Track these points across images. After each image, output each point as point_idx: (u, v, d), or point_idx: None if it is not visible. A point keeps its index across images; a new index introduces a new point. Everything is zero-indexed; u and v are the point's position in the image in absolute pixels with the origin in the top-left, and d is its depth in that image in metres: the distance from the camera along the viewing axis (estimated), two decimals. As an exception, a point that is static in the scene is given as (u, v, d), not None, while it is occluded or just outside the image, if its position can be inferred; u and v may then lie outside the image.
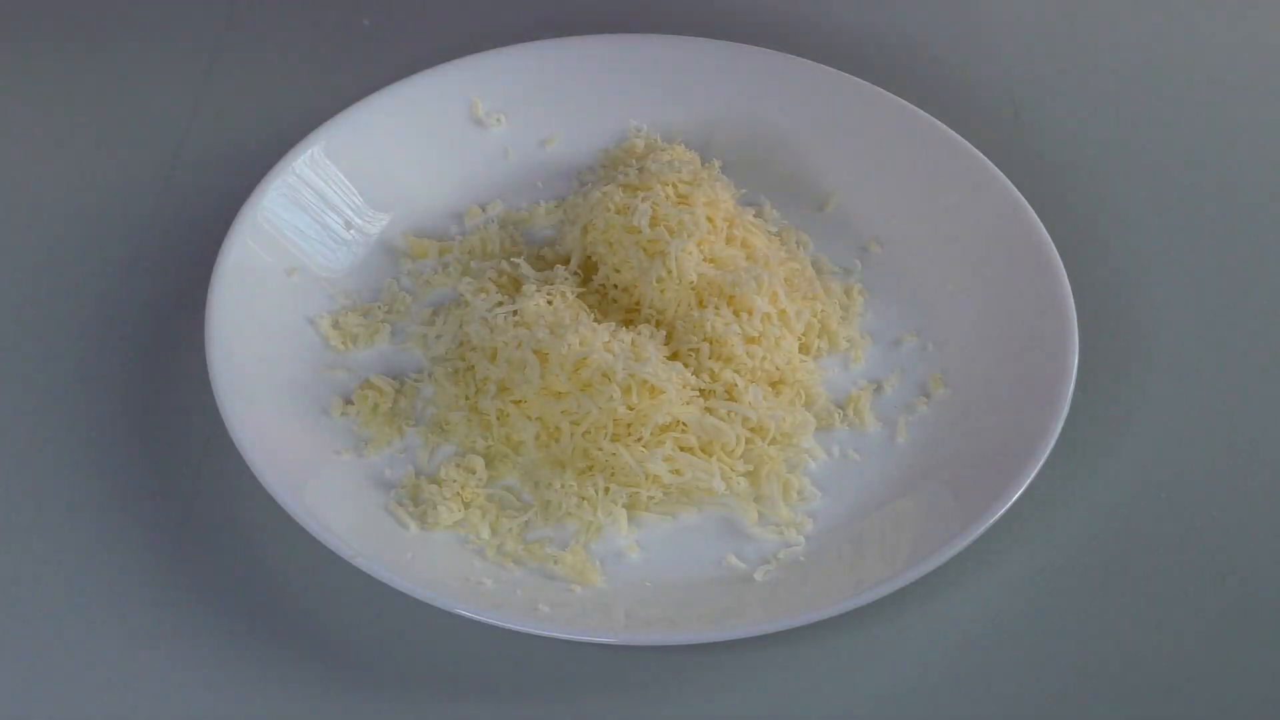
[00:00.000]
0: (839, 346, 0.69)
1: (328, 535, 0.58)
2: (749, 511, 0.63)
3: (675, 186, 0.70)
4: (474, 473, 0.64)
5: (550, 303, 0.66)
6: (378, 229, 0.72)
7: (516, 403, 0.65)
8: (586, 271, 0.71)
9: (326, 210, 0.71)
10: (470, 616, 0.57)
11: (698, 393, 0.65)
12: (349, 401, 0.66)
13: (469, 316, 0.67)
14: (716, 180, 0.72)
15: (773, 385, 0.67)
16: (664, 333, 0.67)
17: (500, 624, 0.57)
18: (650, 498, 0.63)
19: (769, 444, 0.65)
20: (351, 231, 0.72)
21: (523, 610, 0.58)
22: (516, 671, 0.59)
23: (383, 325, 0.69)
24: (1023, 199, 0.70)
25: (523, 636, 0.58)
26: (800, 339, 0.68)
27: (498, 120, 0.76)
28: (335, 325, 0.68)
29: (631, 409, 0.63)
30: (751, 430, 0.65)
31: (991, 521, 0.60)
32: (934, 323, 0.70)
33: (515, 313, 0.66)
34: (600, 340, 0.64)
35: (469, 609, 0.57)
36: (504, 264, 0.70)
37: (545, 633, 0.57)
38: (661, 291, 0.67)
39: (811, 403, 0.67)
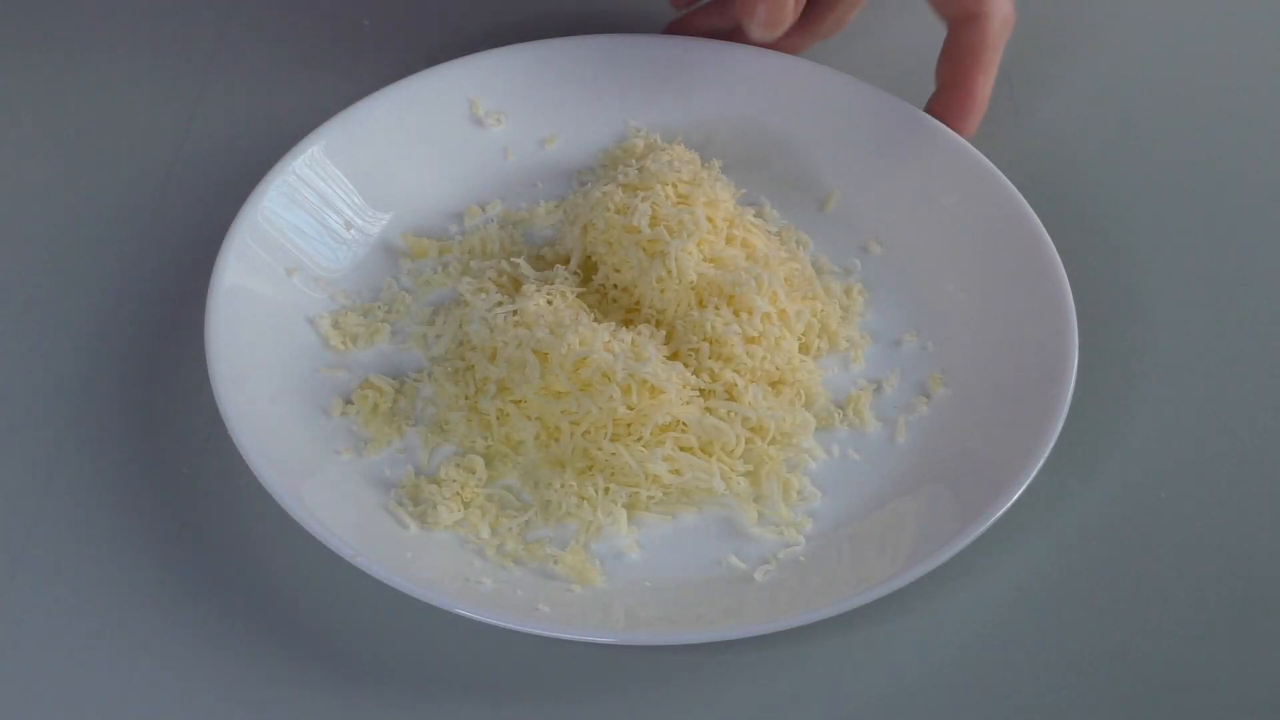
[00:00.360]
0: (839, 346, 0.69)
1: (327, 535, 0.58)
2: (749, 511, 0.63)
3: (675, 186, 0.69)
4: (474, 473, 0.64)
5: (550, 303, 0.66)
6: (378, 229, 0.72)
7: (516, 403, 0.65)
8: (586, 271, 0.70)
9: (326, 210, 0.71)
10: (470, 616, 0.57)
11: (698, 393, 0.65)
12: (349, 401, 0.66)
13: (469, 316, 0.67)
14: (716, 180, 0.72)
15: (773, 385, 0.67)
16: (664, 333, 0.67)
17: (500, 624, 0.57)
18: (650, 498, 0.63)
19: (769, 444, 0.65)
20: (351, 231, 0.72)
21: (522, 610, 0.58)
22: (516, 671, 0.59)
23: (382, 325, 0.69)
24: (1022, 199, 0.70)
25: (523, 636, 0.58)
26: (800, 339, 0.68)
27: (497, 120, 0.76)
28: (335, 325, 0.68)
29: (631, 409, 0.63)
30: (751, 430, 0.65)
31: (992, 521, 0.60)
32: (934, 322, 0.70)
33: (515, 313, 0.66)
34: (600, 340, 0.64)
35: (468, 609, 0.57)
36: (504, 264, 0.70)
37: (545, 633, 0.57)
38: (661, 291, 0.67)
39: (811, 403, 0.67)
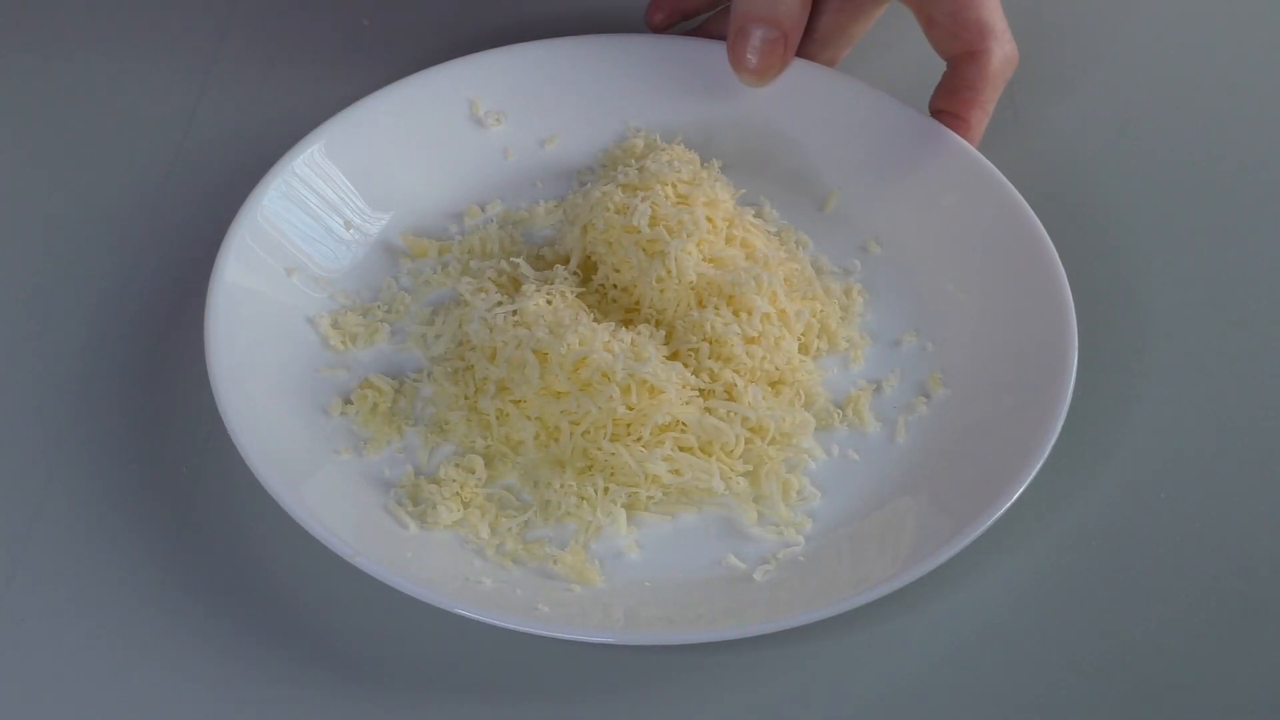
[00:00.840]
0: (838, 347, 0.69)
1: (327, 534, 0.58)
2: (748, 511, 0.63)
3: (675, 186, 0.69)
4: (473, 472, 0.64)
5: (550, 302, 0.66)
6: (377, 229, 0.72)
7: (516, 402, 0.65)
8: (586, 271, 0.70)
9: (326, 210, 0.71)
10: (470, 616, 0.57)
11: (697, 393, 0.65)
12: (348, 401, 0.66)
13: (468, 316, 0.67)
14: (716, 180, 0.72)
15: (772, 385, 0.67)
16: (664, 333, 0.67)
17: (499, 624, 0.57)
18: (650, 498, 0.63)
19: (768, 444, 0.65)
20: (351, 231, 0.72)
21: (522, 610, 0.58)
22: (515, 671, 0.59)
23: (382, 325, 0.69)
24: (1022, 199, 0.70)
25: (522, 636, 0.58)
26: (800, 339, 0.68)
27: (497, 120, 0.76)
28: (335, 325, 0.68)
29: (631, 409, 0.63)
30: (751, 430, 0.65)
31: (992, 521, 0.60)
32: (933, 322, 0.70)
33: (515, 312, 0.66)
34: (600, 340, 0.64)
35: (468, 609, 0.57)
36: (503, 264, 0.70)
37: (544, 632, 0.57)
38: (661, 291, 0.67)
39: (811, 403, 0.67)
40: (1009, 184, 0.71)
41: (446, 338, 0.68)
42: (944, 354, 0.69)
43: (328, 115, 0.73)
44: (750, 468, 0.64)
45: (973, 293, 0.70)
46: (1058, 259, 0.68)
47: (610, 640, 0.58)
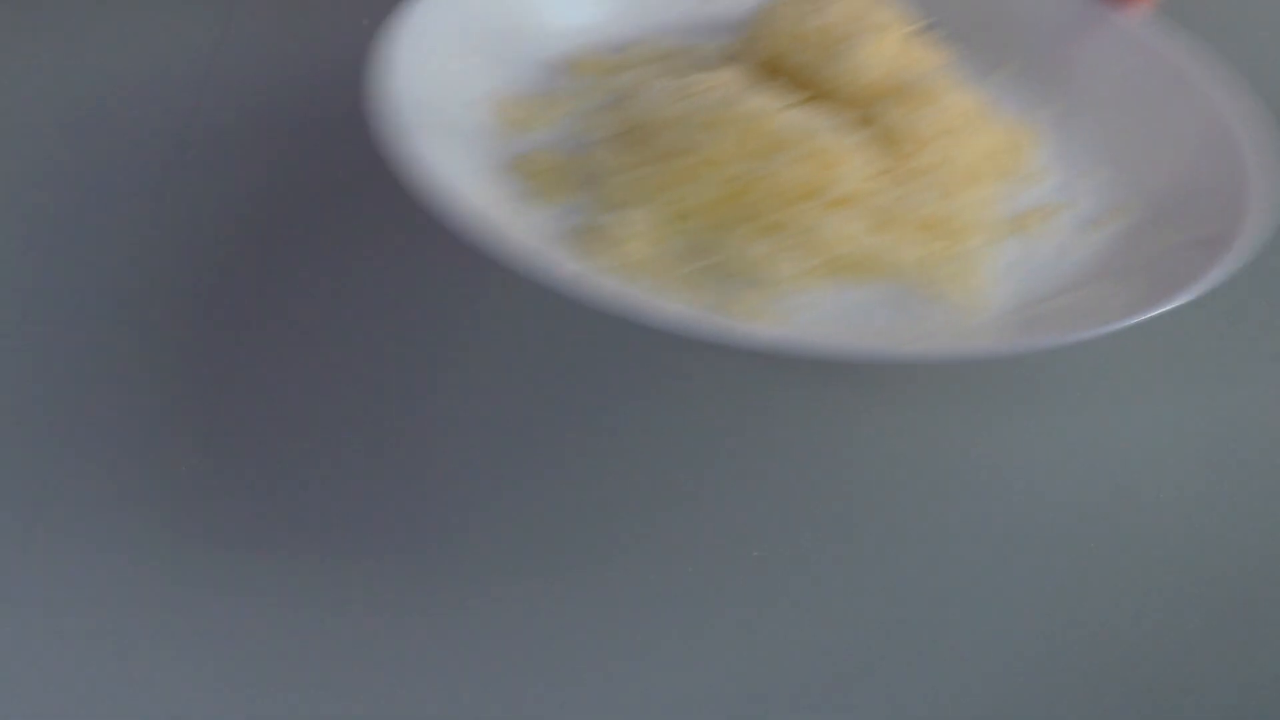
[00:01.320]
0: (1022, 170, 0.67)
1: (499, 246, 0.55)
2: (924, 291, 0.60)
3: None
4: (643, 228, 0.61)
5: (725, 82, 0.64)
6: (550, 55, 0.71)
7: (687, 169, 0.62)
8: (766, 74, 0.68)
9: (499, 33, 0.70)
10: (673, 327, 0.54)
11: (878, 174, 0.62)
12: (516, 166, 0.64)
13: (641, 93, 0.64)
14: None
15: (956, 184, 0.64)
16: (845, 116, 0.64)
17: (684, 332, 0.54)
18: (825, 266, 0.60)
19: (948, 237, 0.62)
20: (524, 61, 0.70)
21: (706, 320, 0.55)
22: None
23: (554, 112, 0.67)
24: (1203, 64, 0.68)
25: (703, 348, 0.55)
26: (987, 151, 0.66)
27: None
28: (508, 105, 0.67)
29: (808, 178, 0.60)
30: (930, 222, 0.62)
31: (1171, 306, 0.56)
32: (1118, 167, 0.67)
33: (689, 87, 0.63)
34: (777, 108, 0.61)
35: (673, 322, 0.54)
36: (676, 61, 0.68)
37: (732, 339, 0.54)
38: (844, 85, 0.65)
39: (993, 208, 0.64)
40: (1190, 50, 0.69)
41: (619, 119, 0.65)
42: (1133, 190, 0.66)
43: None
44: (928, 253, 0.61)
45: (1158, 153, 0.67)
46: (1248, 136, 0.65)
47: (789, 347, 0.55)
